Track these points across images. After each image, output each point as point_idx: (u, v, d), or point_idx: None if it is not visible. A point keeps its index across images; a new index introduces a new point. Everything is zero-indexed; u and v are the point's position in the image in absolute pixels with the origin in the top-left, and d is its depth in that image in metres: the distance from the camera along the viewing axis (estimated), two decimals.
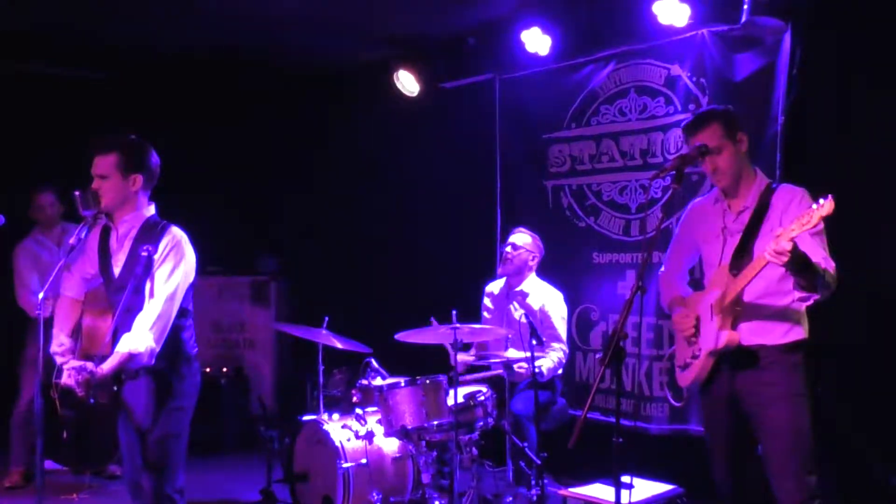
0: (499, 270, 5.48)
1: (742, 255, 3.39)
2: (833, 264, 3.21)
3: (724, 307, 3.36)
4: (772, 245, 3.02)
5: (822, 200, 2.97)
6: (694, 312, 3.54)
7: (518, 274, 5.32)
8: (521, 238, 5.33)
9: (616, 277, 5.53)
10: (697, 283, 3.92)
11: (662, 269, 3.88)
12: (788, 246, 2.97)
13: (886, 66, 4.29)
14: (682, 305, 3.64)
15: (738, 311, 3.37)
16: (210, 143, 7.45)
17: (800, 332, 3.40)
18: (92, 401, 3.36)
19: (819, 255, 3.18)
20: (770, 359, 3.36)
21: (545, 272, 5.42)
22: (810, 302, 3.25)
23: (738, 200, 3.51)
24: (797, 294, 3.24)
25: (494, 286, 5.54)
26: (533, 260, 5.33)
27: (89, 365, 3.34)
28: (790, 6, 4.48)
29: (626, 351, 3.01)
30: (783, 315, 3.38)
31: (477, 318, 5.56)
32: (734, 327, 3.37)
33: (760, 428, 3.39)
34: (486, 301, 5.56)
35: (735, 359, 3.40)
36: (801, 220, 2.99)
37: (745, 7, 4.48)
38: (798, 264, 3.04)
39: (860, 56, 4.38)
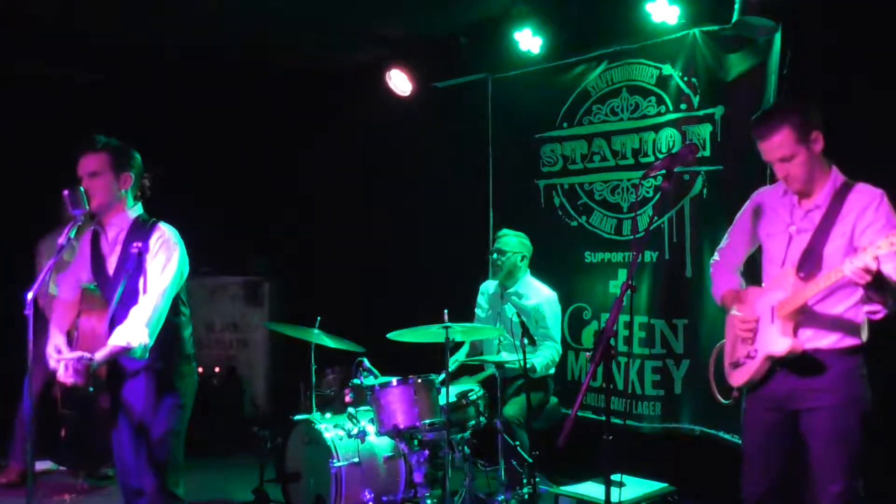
0: (490, 276, 5.49)
1: (810, 258, 3.19)
2: None
3: (789, 313, 3.18)
4: (856, 262, 2.80)
5: None
6: (753, 312, 3.35)
7: (510, 277, 5.32)
8: (507, 242, 5.31)
9: (608, 276, 5.54)
10: (750, 277, 3.63)
11: (716, 258, 3.66)
12: (874, 266, 2.76)
13: (877, 65, 4.30)
14: (738, 302, 3.44)
15: (801, 318, 3.20)
16: (203, 144, 7.43)
17: (857, 338, 3.22)
18: (92, 389, 3.36)
19: (889, 266, 2.94)
20: (826, 363, 3.20)
21: (537, 271, 5.43)
22: (880, 316, 3.05)
23: (809, 197, 3.26)
24: (866, 307, 3.08)
25: (490, 285, 5.55)
26: (522, 260, 5.33)
27: (86, 354, 3.35)
28: (781, 6, 4.48)
29: (617, 350, 2.95)
30: (842, 320, 3.21)
31: (469, 317, 5.56)
32: (795, 332, 3.20)
33: (810, 430, 3.23)
34: (481, 299, 5.57)
35: (792, 363, 3.23)
36: (891, 240, 2.72)
37: (737, 7, 4.50)
38: (875, 281, 2.83)
39: (851, 55, 4.39)
